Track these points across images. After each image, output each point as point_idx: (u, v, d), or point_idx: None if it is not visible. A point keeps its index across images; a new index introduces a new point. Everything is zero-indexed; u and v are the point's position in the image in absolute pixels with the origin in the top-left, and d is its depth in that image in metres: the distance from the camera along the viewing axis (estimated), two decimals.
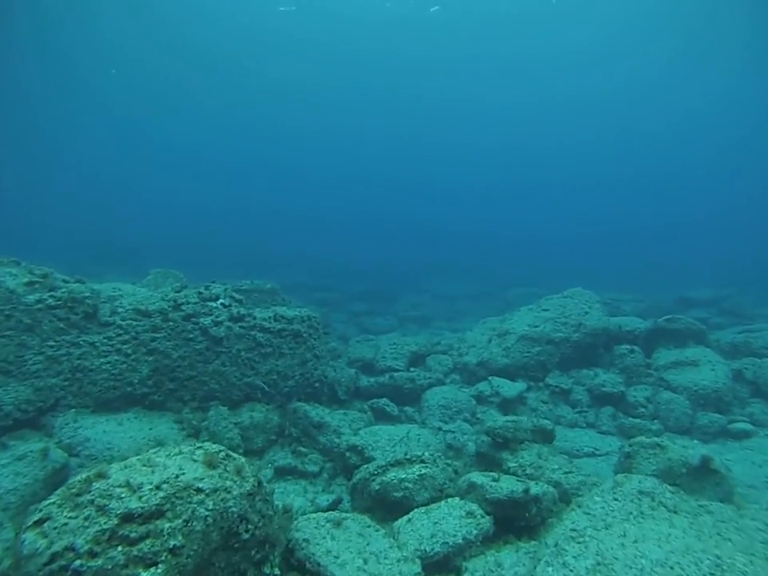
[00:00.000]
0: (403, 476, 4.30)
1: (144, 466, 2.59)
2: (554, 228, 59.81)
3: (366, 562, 3.26)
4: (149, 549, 2.18)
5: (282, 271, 26.19)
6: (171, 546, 2.22)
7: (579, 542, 3.43)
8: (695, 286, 17.96)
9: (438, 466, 4.52)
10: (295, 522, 3.58)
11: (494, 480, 4.15)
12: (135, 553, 2.16)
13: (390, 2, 40.57)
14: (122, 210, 56.20)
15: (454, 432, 6.72)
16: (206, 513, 2.45)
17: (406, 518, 3.92)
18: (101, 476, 2.45)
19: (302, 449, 5.90)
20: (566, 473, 4.84)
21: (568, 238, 54.29)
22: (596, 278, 20.31)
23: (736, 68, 39.83)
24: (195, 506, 2.43)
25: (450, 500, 4.10)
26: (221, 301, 6.90)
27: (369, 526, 3.71)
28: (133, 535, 2.21)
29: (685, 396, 7.53)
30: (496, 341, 9.09)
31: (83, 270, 17.45)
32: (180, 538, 2.26)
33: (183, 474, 2.59)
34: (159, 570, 2.17)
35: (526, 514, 3.98)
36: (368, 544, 3.45)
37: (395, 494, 4.22)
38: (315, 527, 3.55)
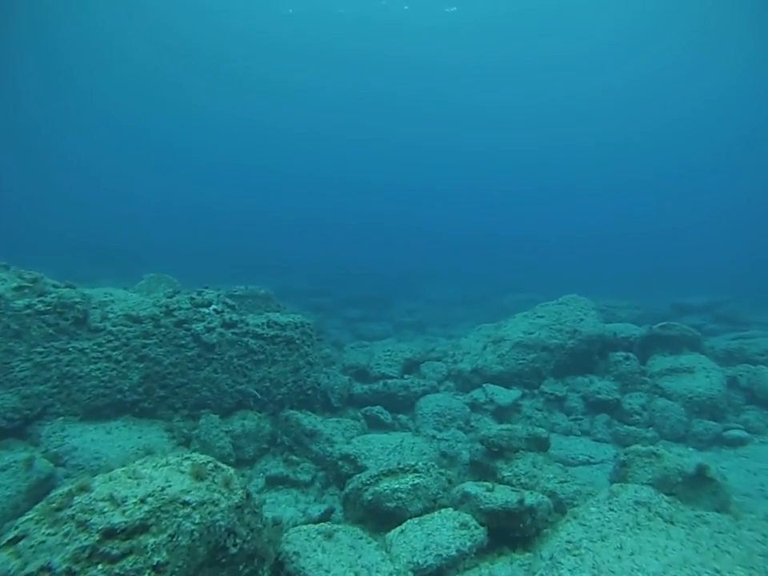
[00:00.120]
0: (396, 486, 4.24)
1: (129, 478, 2.51)
2: (551, 233, 59.90)
3: (357, 575, 3.20)
4: (131, 566, 2.09)
5: (277, 275, 26.14)
6: (155, 563, 2.14)
7: (575, 555, 3.37)
8: (691, 292, 17.98)
9: (431, 476, 4.45)
10: (285, 535, 3.51)
11: (489, 490, 4.09)
12: (117, 571, 2.07)
13: (389, 6, 40.69)
14: (119, 211, 55.99)
15: (448, 440, 6.66)
16: (193, 527, 2.37)
17: (398, 529, 3.86)
18: (83, 489, 2.36)
19: (294, 457, 5.82)
20: (561, 482, 4.79)
21: (565, 243, 54.39)
22: (592, 284, 20.35)
23: (739, 68, 39.89)
24: (181, 519, 2.35)
25: (443, 511, 4.03)
26: (213, 307, 6.83)
27: (361, 538, 3.65)
28: (114, 552, 2.12)
29: (680, 403, 7.50)
30: (491, 348, 9.04)
31: (80, 271, 17.39)
32: (164, 554, 2.18)
33: (170, 486, 2.52)
34: None
35: (521, 525, 3.92)
36: (360, 557, 3.38)
37: (388, 504, 4.16)
38: (306, 539, 3.49)
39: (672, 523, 3.71)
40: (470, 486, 4.19)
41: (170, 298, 6.84)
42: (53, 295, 5.94)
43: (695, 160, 58.28)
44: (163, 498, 2.39)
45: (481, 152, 63.37)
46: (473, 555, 3.66)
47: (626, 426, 7.33)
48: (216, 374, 6.26)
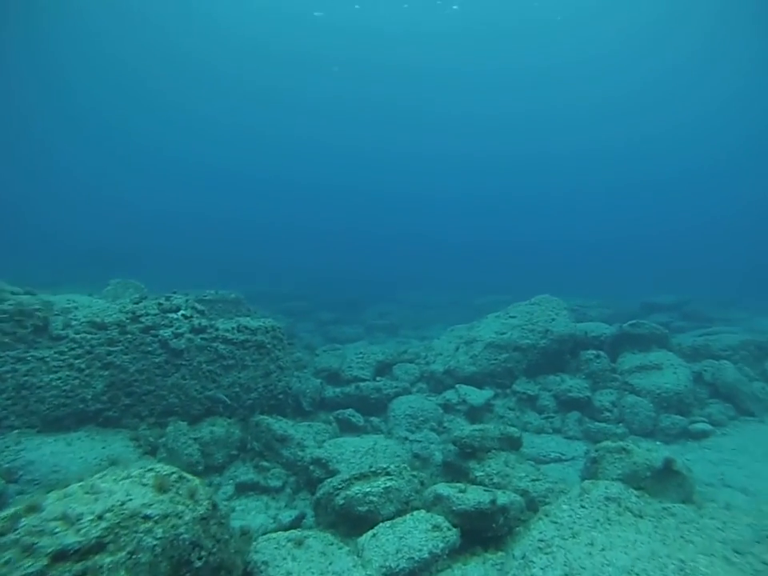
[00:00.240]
0: (368, 489, 4.19)
1: (87, 493, 2.40)
2: (524, 235, 60.74)
3: None
4: None
5: (249, 279, 25.89)
6: None
7: (547, 553, 3.39)
8: (660, 292, 18.37)
9: (403, 478, 4.42)
10: (254, 544, 3.44)
11: (461, 491, 4.08)
12: None
13: (387, 14, 40.64)
14: (100, 214, 55.08)
15: (420, 441, 6.65)
16: (154, 542, 2.29)
17: (370, 533, 3.81)
18: (32, 509, 2.23)
19: (265, 463, 5.72)
20: (533, 480, 4.82)
21: (538, 245, 55.09)
22: (564, 285, 20.58)
23: (744, 70, 40.39)
24: (142, 535, 2.26)
25: (415, 513, 4.00)
26: (182, 312, 6.68)
27: (332, 544, 3.60)
28: None
29: (648, 399, 7.65)
30: (463, 348, 9.07)
31: (43, 277, 16.85)
32: (122, 572, 2.09)
33: (130, 500, 2.42)
34: None
35: (494, 525, 3.92)
36: (330, 563, 3.33)
37: (360, 508, 4.11)
38: (276, 548, 3.42)
39: (641, 517, 3.77)
40: (442, 488, 4.17)
41: (137, 303, 6.66)
42: (10, 302, 5.72)
43: (692, 165, 59.50)
44: (123, 513, 2.29)
45: (455, 157, 63.83)
46: (445, 557, 3.64)
47: (596, 423, 7.43)
48: (184, 380, 6.12)
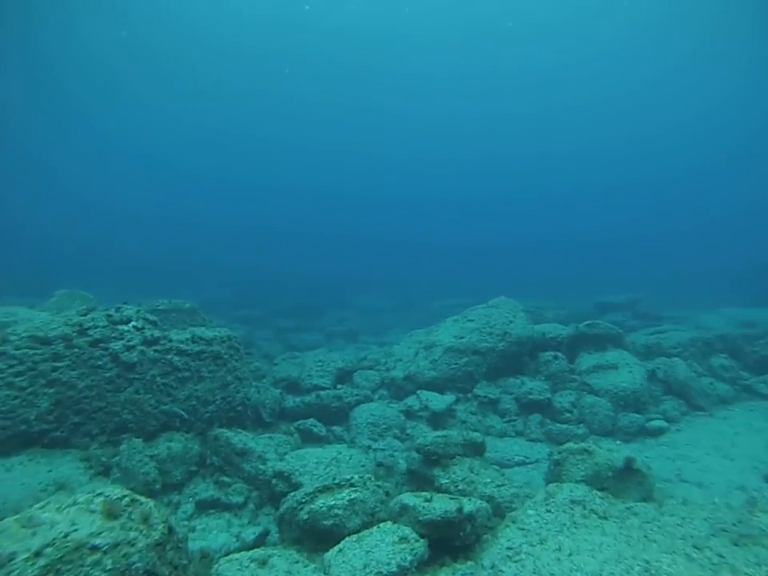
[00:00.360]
0: (332, 502, 4.06)
1: (23, 527, 2.17)
2: (475, 237, 61.44)
3: None
4: None
5: (204, 288, 25.28)
6: None
7: (516, 561, 3.35)
8: (611, 291, 18.91)
9: (368, 489, 4.31)
10: (216, 566, 3.27)
11: (427, 500, 4.00)
12: None
13: (387, 14, 40.45)
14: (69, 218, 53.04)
15: (384, 450, 6.56)
16: (103, 575, 2.11)
17: (337, 548, 3.68)
18: None
19: (225, 479, 5.51)
20: (498, 486, 4.79)
21: (489, 247, 55.88)
22: (517, 286, 20.94)
23: (744, 70, 41.29)
24: (88, 569, 2.08)
25: (382, 525, 3.89)
26: (133, 323, 6.37)
27: (297, 562, 3.46)
28: None
29: (607, 399, 7.80)
30: (423, 353, 9.04)
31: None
32: None
33: (75, 530, 2.22)
34: None
35: (461, 534, 3.85)
36: None
37: (325, 522, 3.98)
38: (238, 569, 3.26)
39: (606, 519, 3.79)
40: (408, 498, 4.09)
41: (84, 315, 6.31)
42: None
43: (692, 165, 60.28)
44: (66, 547, 2.09)
45: (408, 161, 64.27)
46: (414, 569, 3.54)
47: (558, 425, 7.52)
48: (138, 394, 5.83)
